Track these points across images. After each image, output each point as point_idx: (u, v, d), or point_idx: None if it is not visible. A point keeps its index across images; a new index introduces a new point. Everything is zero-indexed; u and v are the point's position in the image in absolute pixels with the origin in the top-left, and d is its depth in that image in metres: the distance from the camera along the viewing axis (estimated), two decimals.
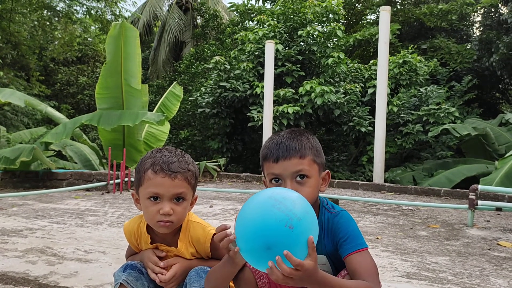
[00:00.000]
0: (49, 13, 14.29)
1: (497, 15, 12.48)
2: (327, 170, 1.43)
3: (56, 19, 14.45)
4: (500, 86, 13.80)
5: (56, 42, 15.82)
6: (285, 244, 1.14)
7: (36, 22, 14.10)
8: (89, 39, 18.22)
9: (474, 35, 13.93)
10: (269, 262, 1.12)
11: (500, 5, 12.33)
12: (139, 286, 1.46)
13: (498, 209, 4.15)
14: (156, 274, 1.47)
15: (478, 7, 13.23)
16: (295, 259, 1.08)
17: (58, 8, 14.07)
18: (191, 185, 1.47)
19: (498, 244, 3.37)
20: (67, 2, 13.73)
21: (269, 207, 1.19)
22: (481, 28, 13.18)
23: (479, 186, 4.05)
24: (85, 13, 14.25)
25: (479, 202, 4.05)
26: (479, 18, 14.11)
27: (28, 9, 13.22)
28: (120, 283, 1.44)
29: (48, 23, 14.65)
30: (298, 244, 1.16)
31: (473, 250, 3.13)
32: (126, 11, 35.39)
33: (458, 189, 6.27)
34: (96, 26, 16.64)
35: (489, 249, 3.18)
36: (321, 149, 1.41)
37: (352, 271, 1.25)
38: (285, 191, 1.24)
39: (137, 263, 1.52)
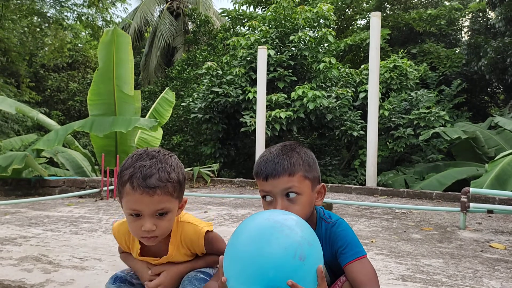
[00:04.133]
0: (39, 19, 14.24)
1: (485, 19, 12.69)
2: (322, 184, 1.41)
3: (47, 25, 14.39)
4: (489, 89, 13.99)
5: (46, 48, 15.73)
6: (294, 280, 0.97)
7: (26, 28, 14.03)
8: (79, 45, 18.16)
9: (463, 40, 14.13)
10: None
11: (487, 10, 12.54)
12: None
13: (490, 211, 4.21)
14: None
15: (466, 12, 13.45)
16: (299, 287, 0.99)
17: (48, 14, 14.02)
18: (173, 196, 1.36)
19: (490, 246, 3.42)
20: (58, 8, 13.68)
21: (270, 230, 1.03)
22: (469, 32, 13.40)
23: (471, 189, 4.10)
24: (75, 19, 14.22)
25: (471, 204, 4.10)
26: (467, 23, 14.34)
27: (18, 15, 13.15)
28: None
29: (38, 29, 14.58)
30: (308, 277, 1.00)
31: (466, 252, 3.17)
32: (117, 17, 35.38)
33: (449, 192, 6.34)
34: (87, 32, 16.59)
35: (481, 251, 3.23)
36: (314, 163, 1.38)
37: (353, 280, 1.26)
38: (282, 213, 1.15)
39: (126, 274, 1.50)
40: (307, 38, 9.45)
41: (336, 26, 14.28)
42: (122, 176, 1.34)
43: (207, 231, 1.49)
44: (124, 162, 1.38)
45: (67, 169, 8.23)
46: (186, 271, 1.47)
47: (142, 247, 1.48)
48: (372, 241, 3.47)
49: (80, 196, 6.13)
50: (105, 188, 6.06)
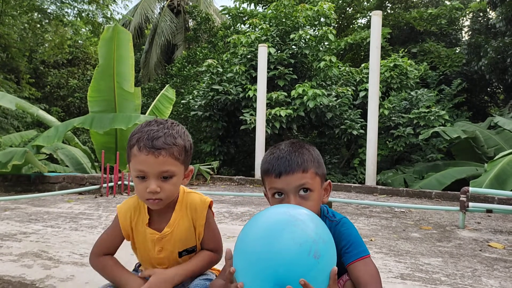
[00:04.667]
0: (39, 16, 14.22)
1: (485, 19, 12.68)
2: (329, 181, 1.43)
3: (47, 21, 14.37)
4: (488, 89, 14.00)
5: (47, 45, 15.74)
6: (306, 278, 0.92)
7: (26, 25, 14.01)
8: (79, 41, 18.14)
9: (463, 39, 14.13)
10: None
11: (488, 9, 12.53)
12: None
13: (489, 211, 4.22)
14: None
15: (467, 12, 13.45)
16: (311, 287, 0.96)
17: (49, 11, 14.00)
18: (179, 161, 1.39)
19: (489, 245, 3.43)
20: (58, 4, 13.67)
21: (284, 225, 0.98)
22: (470, 32, 13.39)
23: (470, 189, 4.11)
24: (76, 15, 14.20)
25: (470, 204, 4.11)
26: (467, 23, 14.33)
27: (19, 11, 13.13)
28: None
29: (38, 26, 14.56)
30: (320, 277, 0.95)
31: (465, 251, 3.18)
32: (118, 13, 35.26)
33: (449, 191, 6.35)
34: (87, 28, 16.57)
35: (480, 250, 3.24)
36: (322, 160, 1.40)
37: (356, 279, 1.26)
38: (296, 207, 1.13)
39: None
40: (308, 37, 9.45)
41: (336, 25, 14.27)
42: (131, 140, 1.40)
43: (211, 204, 1.52)
44: (134, 130, 1.43)
45: (66, 166, 8.23)
46: (176, 275, 1.45)
47: (150, 218, 1.49)
48: (371, 240, 3.48)
49: (80, 193, 6.13)
50: (105, 185, 6.06)
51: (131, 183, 6.33)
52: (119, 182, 6.27)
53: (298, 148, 1.35)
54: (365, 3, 13.96)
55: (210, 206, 1.53)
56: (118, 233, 1.54)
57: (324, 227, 1.07)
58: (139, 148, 1.35)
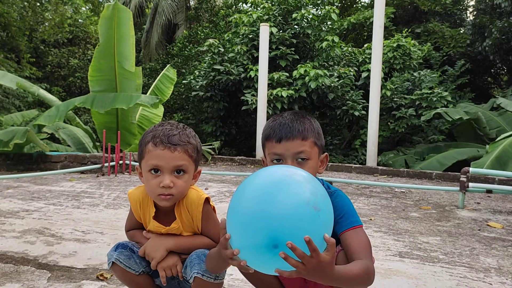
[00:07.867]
0: None
1: None
2: (326, 153, 1.46)
3: None
4: (492, 70, 13.88)
5: (47, 24, 15.56)
6: (305, 232, 0.85)
7: (26, 3, 13.83)
8: (80, 20, 17.94)
9: (468, 20, 13.93)
10: (280, 253, 0.86)
11: None
12: (132, 264, 1.49)
13: (489, 191, 4.23)
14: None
15: None
16: (314, 244, 0.93)
17: None
18: (192, 158, 1.46)
19: (488, 225, 3.45)
20: None
21: (279, 182, 0.92)
22: (475, 12, 13.19)
23: (470, 169, 4.12)
24: None
25: (470, 184, 4.13)
26: (472, 2, 14.10)
27: None
28: (113, 262, 1.47)
29: (38, 4, 14.39)
30: (320, 233, 0.89)
31: (463, 231, 3.21)
32: None
33: (449, 172, 6.37)
34: (87, 7, 16.36)
35: (479, 230, 3.26)
36: (321, 133, 1.44)
37: (346, 247, 1.28)
38: (292, 167, 1.14)
39: (128, 242, 1.54)
40: (310, 16, 9.33)
41: (339, 4, 14.07)
42: (145, 138, 1.45)
43: (208, 200, 1.54)
44: (147, 130, 1.49)
45: (68, 145, 8.25)
46: (170, 241, 1.50)
47: (156, 211, 1.53)
48: (371, 219, 3.51)
49: (82, 172, 6.17)
50: (106, 164, 6.09)
51: (132, 163, 6.36)
52: (121, 162, 6.30)
53: (300, 117, 1.40)
54: None
55: (208, 202, 1.55)
56: (134, 216, 1.61)
57: (322, 187, 1.06)
58: (155, 144, 1.41)
